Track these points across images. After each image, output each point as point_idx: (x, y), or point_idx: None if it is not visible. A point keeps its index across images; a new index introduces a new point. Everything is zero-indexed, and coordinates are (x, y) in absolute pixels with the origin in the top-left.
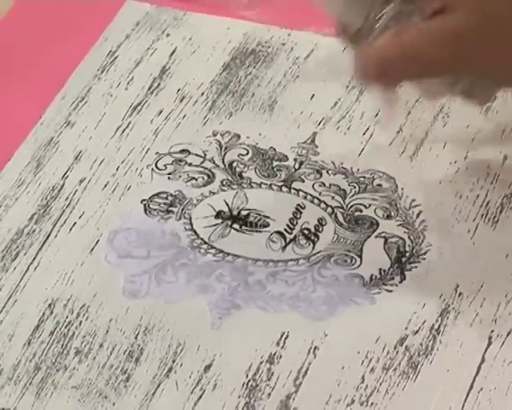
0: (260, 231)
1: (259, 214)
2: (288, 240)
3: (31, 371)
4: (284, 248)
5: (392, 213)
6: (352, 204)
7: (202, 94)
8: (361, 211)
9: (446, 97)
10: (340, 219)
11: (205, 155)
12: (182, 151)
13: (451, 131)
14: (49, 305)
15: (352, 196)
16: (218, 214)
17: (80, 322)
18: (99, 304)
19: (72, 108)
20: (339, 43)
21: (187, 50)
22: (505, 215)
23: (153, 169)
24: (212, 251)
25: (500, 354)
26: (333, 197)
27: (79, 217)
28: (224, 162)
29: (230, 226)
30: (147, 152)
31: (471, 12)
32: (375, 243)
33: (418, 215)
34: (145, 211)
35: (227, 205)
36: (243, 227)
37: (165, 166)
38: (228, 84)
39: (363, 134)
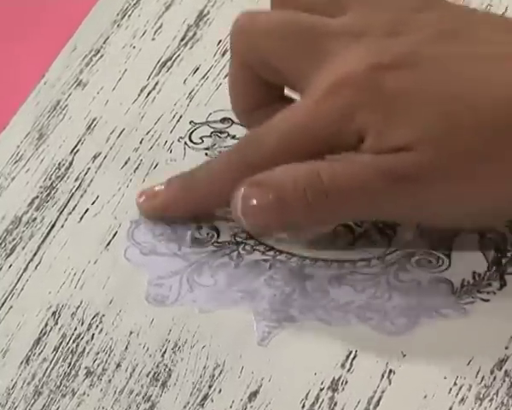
0: None
1: None
2: (356, 234)
3: (29, 396)
4: (352, 244)
5: None
6: None
7: None
8: None
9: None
10: None
11: None
12: (223, 120)
13: None
14: (54, 313)
15: None
16: None
17: (92, 335)
18: (116, 313)
19: (85, 63)
20: None
21: None
22: None
23: (186, 143)
24: (261, 248)
25: None
26: None
27: (92, 203)
28: None
29: None
30: (178, 121)
31: (431, 151)
32: (468, 239)
33: None
34: None
35: None
36: None
37: (201, 138)
38: None
39: None
